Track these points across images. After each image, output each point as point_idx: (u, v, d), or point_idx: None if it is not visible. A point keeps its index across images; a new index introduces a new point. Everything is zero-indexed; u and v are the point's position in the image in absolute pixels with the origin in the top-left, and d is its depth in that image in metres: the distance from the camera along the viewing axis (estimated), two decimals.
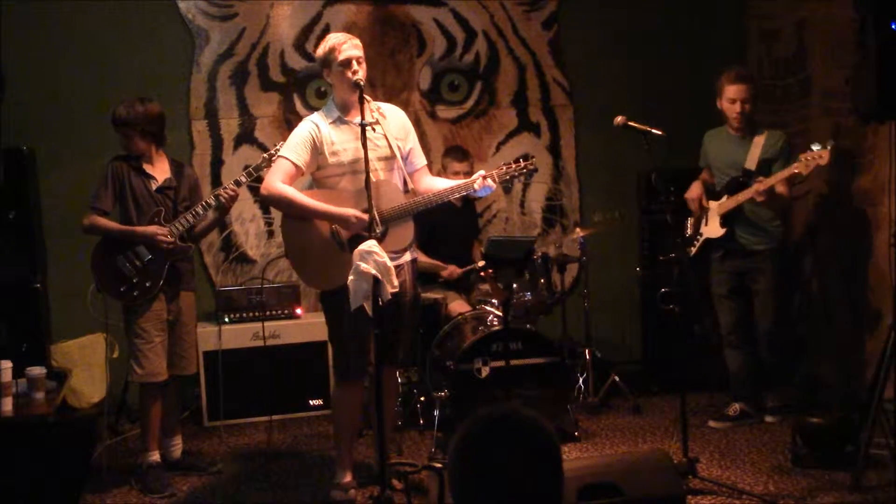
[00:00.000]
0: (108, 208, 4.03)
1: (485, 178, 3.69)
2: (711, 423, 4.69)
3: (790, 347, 5.21)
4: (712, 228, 4.66)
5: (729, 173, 4.63)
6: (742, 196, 4.47)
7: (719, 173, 4.71)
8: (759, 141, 4.57)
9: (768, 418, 4.72)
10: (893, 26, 3.65)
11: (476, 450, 1.66)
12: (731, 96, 4.54)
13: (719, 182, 4.70)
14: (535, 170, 3.83)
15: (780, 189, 4.44)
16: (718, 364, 4.85)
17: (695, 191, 4.72)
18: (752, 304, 4.72)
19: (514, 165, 3.73)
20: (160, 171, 4.13)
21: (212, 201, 4.06)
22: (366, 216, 3.55)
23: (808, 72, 5.13)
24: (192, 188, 4.24)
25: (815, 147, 4.20)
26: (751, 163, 4.55)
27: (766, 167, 4.51)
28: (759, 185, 4.36)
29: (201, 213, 4.07)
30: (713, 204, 4.68)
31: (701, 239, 4.70)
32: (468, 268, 4.95)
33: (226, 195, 4.06)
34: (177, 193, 4.14)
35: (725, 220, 4.60)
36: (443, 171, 4.96)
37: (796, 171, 4.25)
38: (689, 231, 4.81)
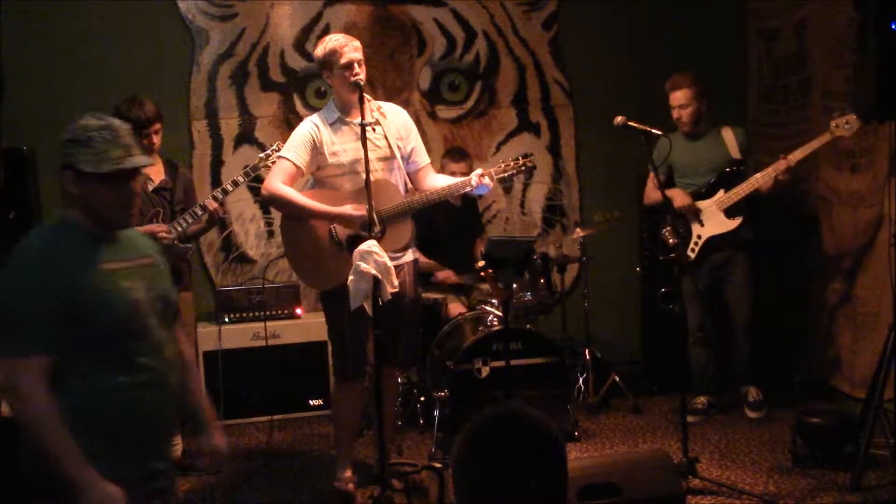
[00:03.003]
0: None
1: (482, 176, 3.69)
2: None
3: (790, 347, 5.22)
4: (717, 225, 4.64)
5: (703, 172, 4.67)
6: (761, 178, 4.47)
7: (693, 175, 4.72)
8: (728, 133, 4.70)
9: (750, 413, 4.72)
10: (893, 26, 3.64)
11: (481, 449, 1.66)
12: (672, 104, 4.69)
13: (691, 184, 4.72)
14: (534, 167, 3.84)
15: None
16: (718, 364, 4.85)
17: (686, 197, 4.68)
18: (727, 298, 4.77)
19: (512, 163, 3.73)
20: (155, 171, 4.13)
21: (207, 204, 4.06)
22: (362, 209, 3.57)
23: (808, 72, 5.12)
24: (187, 188, 4.25)
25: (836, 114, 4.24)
26: (735, 152, 4.65)
27: (746, 156, 4.67)
28: (787, 161, 4.38)
29: (200, 213, 4.07)
30: (706, 203, 4.67)
31: (702, 240, 4.68)
32: (466, 281, 4.92)
33: (211, 206, 4.03)
34: (172, 194, 4.14)
35: (732, 212, 4.61)
36: (441, 172, 4.95)
37: (838, 135, 4.23)
38: (672, 241, 4.67)
